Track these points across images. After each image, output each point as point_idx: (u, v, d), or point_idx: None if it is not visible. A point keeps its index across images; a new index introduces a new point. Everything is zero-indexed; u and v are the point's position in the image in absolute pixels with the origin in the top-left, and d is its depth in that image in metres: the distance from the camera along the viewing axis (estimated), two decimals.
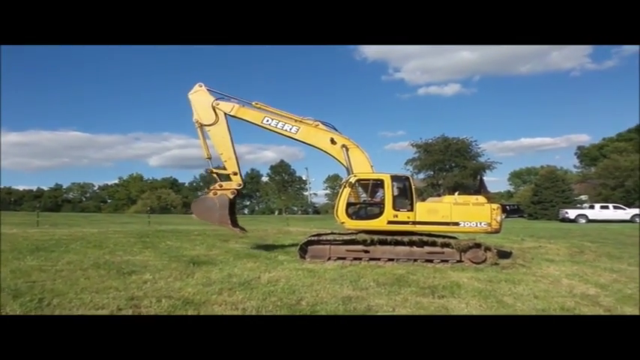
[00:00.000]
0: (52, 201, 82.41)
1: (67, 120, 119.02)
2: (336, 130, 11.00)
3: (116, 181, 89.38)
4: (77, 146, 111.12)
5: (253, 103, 11.22)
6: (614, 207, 34.93)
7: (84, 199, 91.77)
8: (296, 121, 10.95)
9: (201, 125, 11.06)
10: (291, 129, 10.85)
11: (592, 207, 35.47)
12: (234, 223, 11.23)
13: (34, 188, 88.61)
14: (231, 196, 10.93)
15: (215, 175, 11.22)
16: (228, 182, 11.02)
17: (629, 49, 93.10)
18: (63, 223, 21.79)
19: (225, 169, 11.06)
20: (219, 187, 10.98)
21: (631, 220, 32.82)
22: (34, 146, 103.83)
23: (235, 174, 10.98)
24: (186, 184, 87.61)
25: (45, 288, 6.54)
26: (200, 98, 11.20)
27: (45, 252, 9.97)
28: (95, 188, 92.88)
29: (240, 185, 11.03)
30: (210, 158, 11.29)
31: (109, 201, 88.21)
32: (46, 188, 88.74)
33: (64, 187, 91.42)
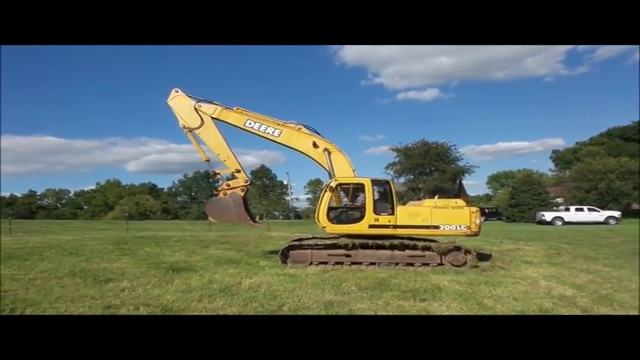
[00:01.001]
0: (26, 208, 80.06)
1: (41, 125, 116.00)
2: (319, 134, 11.01)
3: (93, 187, 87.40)
4: (52, 152, 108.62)
5: (234, 109, 11.16)
6: (589, 209, 35.80)
7: (59, 206, 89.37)
8: (278, 124, 10.93)
9: (190, 130, 10.97)
10: (273, 132, 10.82)
11: (567, 209, 36.27)
12: (253, 219, 11.24)
13: (7, 195, 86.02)
14: (242, 193, 10.95)
15: (219, 176, 11.23)
16: (235, 180, 11.00)
17: (601, 55, 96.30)
18: (37, 231, 21.20)
19: (227, 168, 11.05)
20: (227, 187, 10.96)
21: (605, 222, 33.69)
22: (7, 152, 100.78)
23: (238, 171, 10.96)
24: (165, 190, 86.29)
25: (17, 297, 6.34)
26: (180, 103, 11.11)
27: (18, 260, 9.66)
28: (71, 194, 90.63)
29: (247, 181, 11.04)
30: (208, 161, 11.25)
31: (85, 207, 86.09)
32: (19, 195, 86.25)
33: (39, 193, 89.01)
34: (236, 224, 11.72)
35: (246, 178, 11.04)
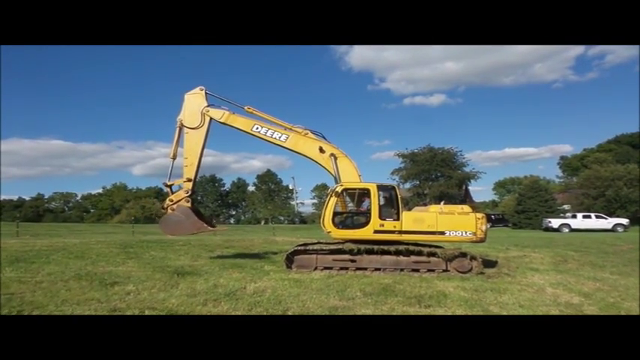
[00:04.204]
0: (33, 211, 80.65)
1: (48, 128, 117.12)
2: (325, 139, 11.03)
3: (100, 191, 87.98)
4: (59, 155, 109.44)
5: (245, 108, 11.26)
6: (596, 216, 35.51)
7: (66, 209, 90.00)
8: (286, 129, 10.98)
9: (182, 126, 11.08)
10: (280, 137, 10.87)
11: (574, 216, 35.99)
12: (209, 223, 11.39)
13: (15, 198, 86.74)
14: (188, 204, 10.99)
15: (168, 190, 11.23)
16: (176, 194, 11.07)
17: (610, 61, 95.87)
18: (44, 234, 21.35)
19: (181, 178, 11.13)
20: (171, 202, 11.03)
21: (612, 230, 33.40)
22: (14, 155, 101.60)
23: (189, 180, 11.01)
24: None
25: (24, 300, 6.38)
26: (194, 101, 11.23)
27: (25, 263, 9.72)
28: (78, 198, 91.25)
29: (187, 192, 11.04)
30: (174, 159, 11.25)
31: (92, 211, 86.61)
32: (27, 198, 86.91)
33: (46, 196, 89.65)
34: (195, 234, 11.60)
35: (189, 189, 11.03)
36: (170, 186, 11.23)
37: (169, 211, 11.05)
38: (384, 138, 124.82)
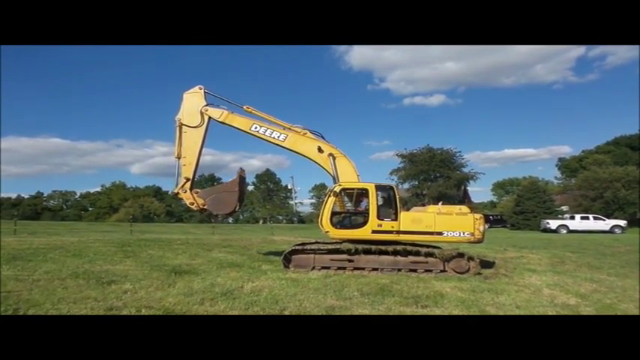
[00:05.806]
0: (32, 209, 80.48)
1: (46, 126, 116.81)
2: (324, 139, 11.04)
3: (98, 189, 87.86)
4: (58, 153, 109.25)
5: (244, 107, 11.26)
6: (594, 218, 35.59)
7: (65, 207, 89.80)
8: (284, 128, 10.98)
9: (182, 125, 11.08)
10: (279, 137, 10.87)
11: (573, 218, 36.07)
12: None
13: (14, 196, 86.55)
14: (197, 193, 11.21)
15: (182, 196, 11.27)
16: (185, 196, 11.15)
17: (611, 62, 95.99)
18: (42, 232, 21.27)
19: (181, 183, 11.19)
20: (193, 204, 11.16)
21: (610, 231, 33.46)
22: (12, 153, 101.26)
23: (188, 180, 11.05)
24: (170, 193, 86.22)
25: (21, 298, 6.36)
26: (193, 100, 11.22)
27: (22, 261, 9.69)
28: (76, 196, 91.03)
29: (185, 191, 11.14)
30: (179, 158, 11.23)
31: (90, 209, 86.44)
32: (26, 196, 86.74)
33: (45, 194, 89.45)
34: (236, 191, 11.37)
35: (186, 189, 11.11)
36: (177, 194, 11.30)
37: (202, 207, 11.22)
38: (383, 138, 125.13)
